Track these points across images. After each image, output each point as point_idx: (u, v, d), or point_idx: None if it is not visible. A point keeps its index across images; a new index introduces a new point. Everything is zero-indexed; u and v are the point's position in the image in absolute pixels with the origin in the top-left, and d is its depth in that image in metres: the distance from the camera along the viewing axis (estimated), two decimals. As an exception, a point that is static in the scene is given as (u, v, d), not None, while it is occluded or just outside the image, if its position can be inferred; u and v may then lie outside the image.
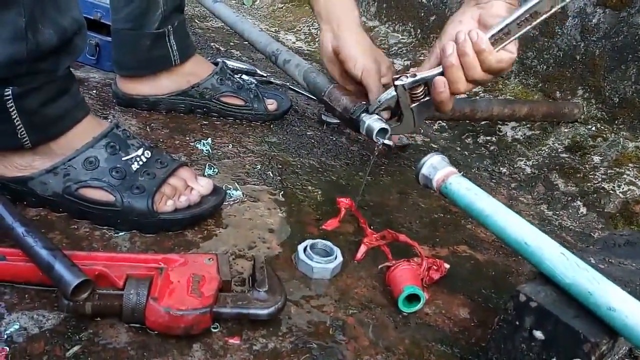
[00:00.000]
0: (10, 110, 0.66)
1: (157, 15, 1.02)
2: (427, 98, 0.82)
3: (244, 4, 2.60)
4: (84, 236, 0.70)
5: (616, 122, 1.24)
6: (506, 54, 0.78)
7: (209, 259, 0.64)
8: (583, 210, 1.11)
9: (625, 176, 1.14)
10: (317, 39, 2.05)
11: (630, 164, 1.16)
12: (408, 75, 0.80)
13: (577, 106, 1.29)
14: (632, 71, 1.21)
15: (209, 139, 1.03)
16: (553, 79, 1.38)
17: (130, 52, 1.06)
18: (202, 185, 0.79)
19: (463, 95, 1.35)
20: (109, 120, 0.99)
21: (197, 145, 1.00)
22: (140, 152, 0.75)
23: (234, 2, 2.65)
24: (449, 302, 0.75)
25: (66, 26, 0.68)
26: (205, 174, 0.91)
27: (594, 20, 1.29)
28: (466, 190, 0.72)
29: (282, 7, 2.36)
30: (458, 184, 0.73)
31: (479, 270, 0.85)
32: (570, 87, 1.34)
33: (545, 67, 1.40)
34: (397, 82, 0.79)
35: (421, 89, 0.81)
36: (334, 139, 1.19)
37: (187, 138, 1.02)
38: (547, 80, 1.40)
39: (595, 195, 1.12)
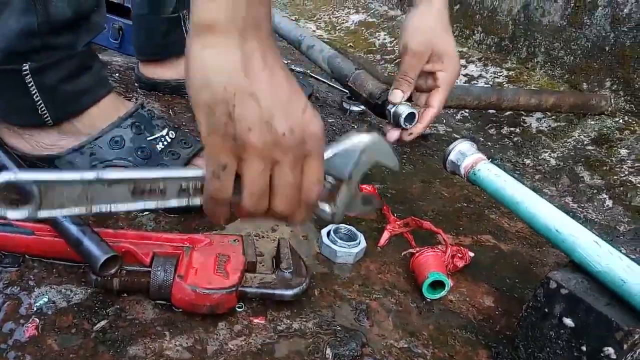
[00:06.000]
0: (29, 85, 0.67)
1: (169, 0, 1.01)
2: None
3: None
4: (109, 216, 0.70)
5: (645, 114, 1.21)
6: None
7: (235, 240, 0.63)
8: (609, 203, 1.09)
9: (653, 169, 1.11)
10: (336, 27, 2.03)
11: (659, 157, 1.13)
12: None
13: (605, 98, 1.26)
14: (664, 62, 1.18)
15: (231, 123, 1.03)
16: (580, 70, 1.35)
17: (147, 36, 1.06)
18: (226, 167, 0.78)
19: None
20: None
21: (219, 130, 1.00)
22: (164, 132, 0.75)
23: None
24: (473, 290, 0.74)
25: (81, 0, 0.68)
26: (228, 157, 0.91)
27: (625, 10, 1.25)
28: (495, 177, 0.71)
29: (302, -4, 2.35)
30: (487, 171, 0.72)
31: (503, 260, 0.84)
32: (598, 79, 1.31)
33: (572, 58, 1.37)
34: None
35: None
36: (356, 126, 1.18)
37: (210, 122, 1.02)
38: (573, 72, 1.37)
39: (621, 188, 1.10)
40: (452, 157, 0.76)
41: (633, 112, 1.24)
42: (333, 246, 0.72)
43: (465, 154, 0.75)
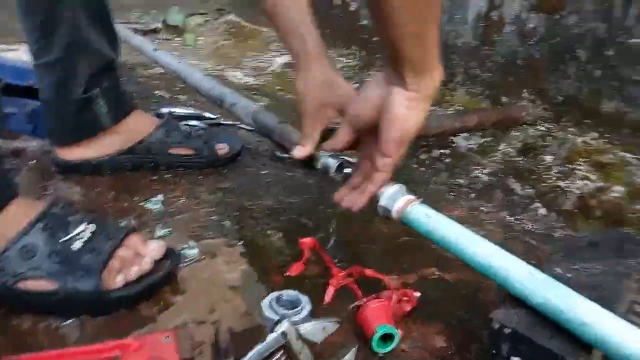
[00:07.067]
0: None
1: (78, 81, 0.97)
2: None
3: (187, 44, 2.58)
4: (28, 331, 0.64)
5: (562, 120, 1.27)
6: None
7: (166, 337, 0.60)
8: (542, 211, 1.12)
9: (577, 172, 1.16)
10: (263, 72, 2.04)
11: (580, 159, 1.19)
12: None
13: (524, 109, 1.32)
14: (571, 69, 1.25)
15: (160, 195, 0.99)
16: (498, 85, 1.41)
17: (56, 119, 1.01)
18: (153, 249, 0.75)
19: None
20: (49, 192, 0.94)
21: (147, 205, 0.96)
22: (81, 227, 0.70)
23: (177, 43, 2.63)
24: (424, 332, 0.73)
25: None
26: (157, 235, 0.87)
27: (530, 25, 1.32)
28: (426, 218, 0.71)
29: (225, 44, 2.35)
30: (417, 213, 0.72)
31: (450, 292, 0.83)
32: (515, 92, 1.37)
33: (489, 74, 1.43)
34: None
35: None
36: (290, 174, 1.17)
37: (136, 198, 0.98)
38: (492, 87, 1.42)
39: (552, 194, 1.14)
40: (382, 202, 0.75)
41: (552, 118, 1.30)
42: (275, 318, 0.69)
43: (394, 198, 0.74)
